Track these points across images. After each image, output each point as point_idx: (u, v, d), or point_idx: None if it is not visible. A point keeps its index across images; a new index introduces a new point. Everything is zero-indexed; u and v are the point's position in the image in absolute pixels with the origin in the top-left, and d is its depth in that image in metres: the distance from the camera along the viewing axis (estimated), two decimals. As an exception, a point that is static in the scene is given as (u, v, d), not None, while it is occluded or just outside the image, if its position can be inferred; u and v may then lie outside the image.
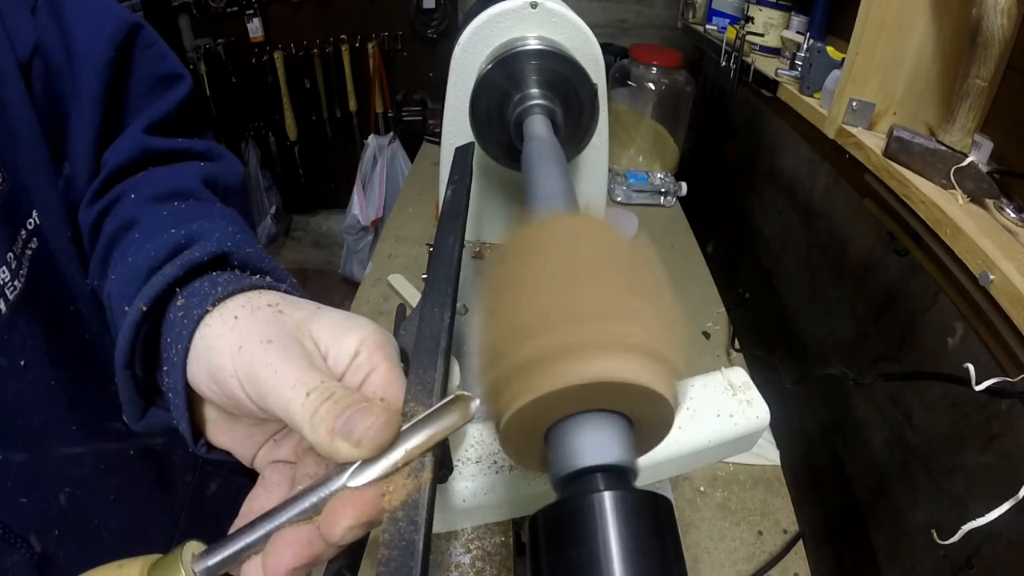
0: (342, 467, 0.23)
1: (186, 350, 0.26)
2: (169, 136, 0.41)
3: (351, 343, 0.26)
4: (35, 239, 0.36)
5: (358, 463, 0.22)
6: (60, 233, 0.38)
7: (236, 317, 0.26)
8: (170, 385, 0.27)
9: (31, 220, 0.36)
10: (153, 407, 0.31)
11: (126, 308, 0.28)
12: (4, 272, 0.33)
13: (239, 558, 0.23)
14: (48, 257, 0.37)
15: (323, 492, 0.23)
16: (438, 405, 0.23)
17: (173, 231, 0.30)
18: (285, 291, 0.30)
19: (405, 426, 0.23)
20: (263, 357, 0.24)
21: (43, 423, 0.37)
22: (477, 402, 0.23)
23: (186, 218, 0.33)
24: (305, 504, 0.23)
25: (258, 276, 0.30)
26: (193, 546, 0.24)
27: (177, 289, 0.28)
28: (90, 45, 0.37)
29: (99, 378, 0.39)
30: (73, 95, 0.37)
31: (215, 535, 0.25)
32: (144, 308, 0.27)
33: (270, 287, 0.29)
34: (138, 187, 0.37)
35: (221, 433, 0.29)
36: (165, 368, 0.27)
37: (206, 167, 0.41)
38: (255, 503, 0.27)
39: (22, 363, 0.35)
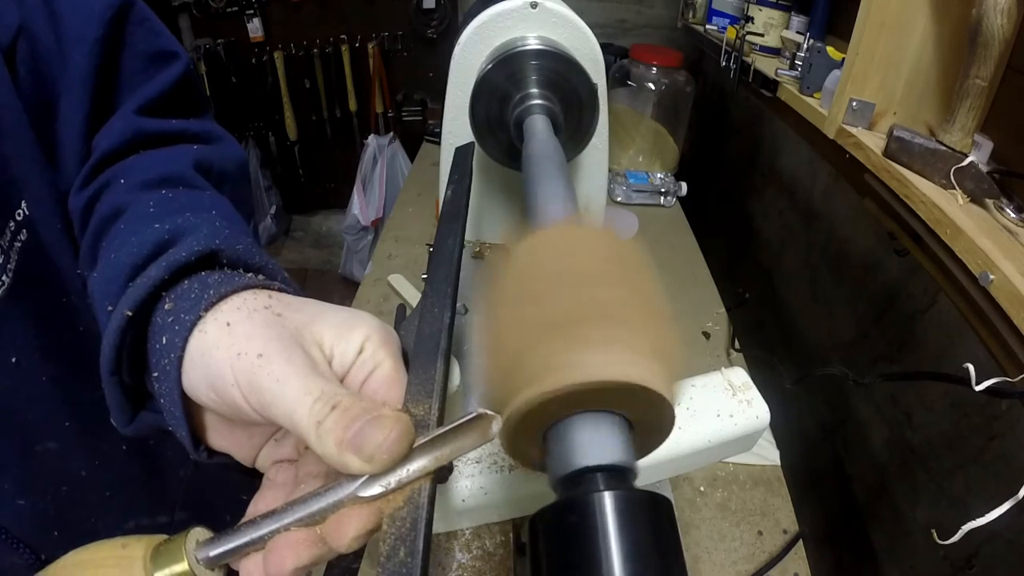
0: (350, 477, 0.22)
1: (180, 359, 0.25)
2: (163, 117, 0.39)
3: (356, 340, 0.25)
4: (24, 231, 0.35)
5: (367, 476, 0.22)
6: (51, 223, 0.37)
7: (229, 323, 0.25)
8: (163, 392, 0.26)
9: (20, 211, 0.35)
10: (143, 410, 0.30)
11: (109, 308, 0.27)
12: None
13: (242, 552, 0.23)
14: (38, 249, 0.36)
15: (330, 499, 0.22)
16: (458, 422, 0.22)
17: (157, 226, 0.28)
18: (279, 288, 0.28)
19: (421, 440, 0.22)
20: (264, 365, 0.23)
21: (36, 420, 0.36)
22: (499, 422, 0.22)
23: (172, 210, 0.31)
24: (311, 509, 0.22)
25: (250, 274, 0.29)
26: (198, 532, 0.24)
27: (163, 293, 0.27)
28: (79, 23, 0.36)
29: (92, 372, 0.37)
30: (62, 77, 0.36)
31: (211, 525, 0.24)
32: (129, 313, 0.26)
33: (263, 285, 0.27)
34: (128, 172, 0.35)
35: (220, 437, 0.28)
36: (156, 374, 0.26)
37: (199, 150, 0.39)
38: (261, 504, 0.27)
39: (13, 360, 0.34)
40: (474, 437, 0.22)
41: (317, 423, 0.22)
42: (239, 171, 0.42)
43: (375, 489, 0.22)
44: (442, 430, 0.22)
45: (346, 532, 0.21)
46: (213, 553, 0.23)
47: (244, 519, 0.25)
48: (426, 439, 0.22)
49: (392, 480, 0.22)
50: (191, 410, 0.27)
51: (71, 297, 0.39)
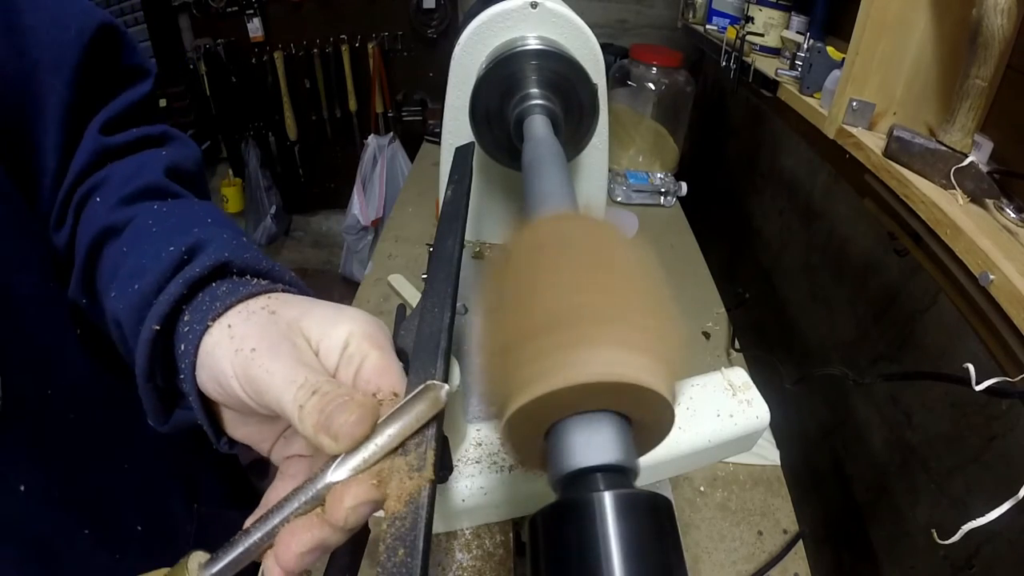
0: (330, 460, 0.24)
1: (193, 364, 0.28)
2: (124, 130, 0.40)
3: (340, 335, 0.27)
4: None
5: (341, 456, 0.23)
6: (30, 303, 0.36)
7: (229, 325, 0.27)
8: (188, 391, 0.29)
9: None
10: (178, 408, 0.32)
11: (141, 329, 0.29)
12: None
13: (243, 561, 0.24)
14: (19, 351, 0.35)
15: (313, 488, 0.23)
16: (410, 395, 0.23)
17: (172, 249, 0.31)
18: (284, 289, 0.31)
19: (381, 419, 0.24)
20: (256, 359, 0.25)
21: (53, 538, 0.36)
22: (447, 389, 0.23)
23: (172, 226, 0.33)
24: (300, 500, 0.23)
25: (256, 280, 0.31)
26: (198, 555, 0.24)
27: (184, 306, 0.29)
28: (55, 49, 0.35)
29: (97, 471, 0.39)
30: (34, 104, 0.35)
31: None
32: (157, 327, 0.29)
33: (266, 290, 0.30)
34: (102, 187, 0.36)
35: (237, 428, 0.31)
36: (181, 376, 0.29)
37: (168, 155, 0.40)
38: (274, 494, 0.28)
39: (22, 488, 0.34)
40: (427, 405, 0.23)
41: (299, 407, 0.24)
42: (199, 169, 0.43)
43: (343, 472, 0.23)
44: (397, 405, 0.23)
45: (341, 504, 0.22)
46: (215, 570, 0.24)
47: (257, 510, 0.27)
48: (385, 417, 0.23)
49: (360, 457, 0.23)
50: (209, 406, 0.30)
51: (63, 385, 0.38)
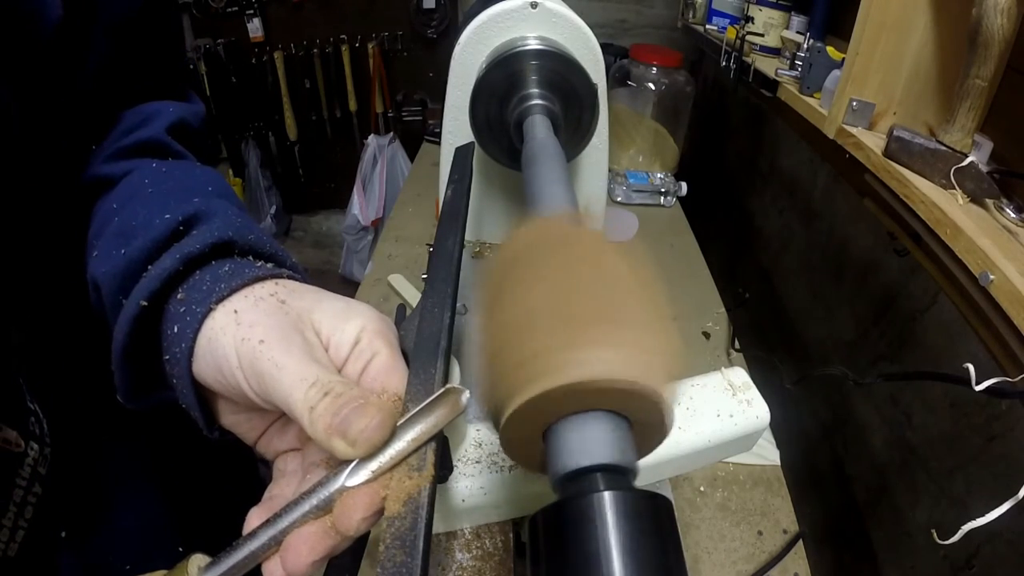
0: (342, 465, 0.23)
1: (190, 349, 0.26)
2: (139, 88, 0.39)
3: (351, 331, 0.26)
4: (24, 365, 0.33)
5: (356, 461, 0.22)
6: (54, 320, 0.35)
7: (236, 311, 0.26)
8: (176, 375, 0.27)
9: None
10: (155, 387, 0.30)
11: (123, 300, 0.27)
12: (33, 449, 0.31)
13: (246, 566, 0.23)
14: (44, 370, 0.34)
15: (324, 492, 0.23)
16: (429, 399, 0.23)
17: (167, 216, 0.28)
18: (288, 276, 0.29)
19: (399, 422, 0.23)
20: (265, 351, 0.24)
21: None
22: (467, 394, 0.23)
23: (170, 190, 0.31)
24: (309, 505, 0.23)
25: (260, 262, 0.29)
26: (199, 559, 0.24)
27: (178, 284, 0.27)
28: (117, 5, 0.34)
29: (127, 544, 0.39)
30: (85, 56, 0.34)
31: None
32: (145, 303, 0.27)
33: (272, 275, 0.28)
34: (105, 135, 0.34)
35: (224, 415, 0.29)
36: (167, 357, 0.27)
37: (176, 111, 0.38)
38: (275, 490, 0.28)
39: (63, 535, 0.34)
40: (446, 411, 0.23)
41: (310, 408, 0.23)
42: (203, 127, 0.42)
43: (363, 474, 0.22)
44: (416, 409, 0.23)
45: (354, 515, 0.22)
46: (217, 574, 0.23)
47: (260, 504, 0.26)
48: (403, 420, 0.23)
49: (377, 463, 0.22)
50: (202, 393, 0.28)
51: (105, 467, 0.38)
